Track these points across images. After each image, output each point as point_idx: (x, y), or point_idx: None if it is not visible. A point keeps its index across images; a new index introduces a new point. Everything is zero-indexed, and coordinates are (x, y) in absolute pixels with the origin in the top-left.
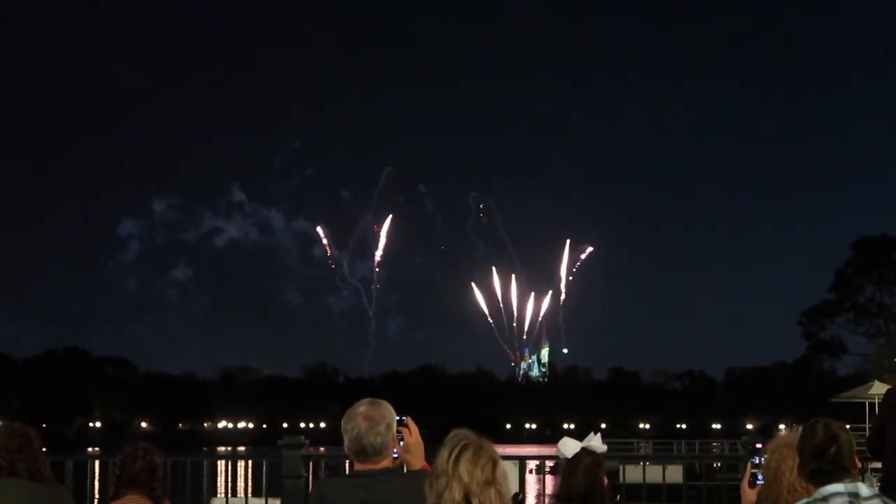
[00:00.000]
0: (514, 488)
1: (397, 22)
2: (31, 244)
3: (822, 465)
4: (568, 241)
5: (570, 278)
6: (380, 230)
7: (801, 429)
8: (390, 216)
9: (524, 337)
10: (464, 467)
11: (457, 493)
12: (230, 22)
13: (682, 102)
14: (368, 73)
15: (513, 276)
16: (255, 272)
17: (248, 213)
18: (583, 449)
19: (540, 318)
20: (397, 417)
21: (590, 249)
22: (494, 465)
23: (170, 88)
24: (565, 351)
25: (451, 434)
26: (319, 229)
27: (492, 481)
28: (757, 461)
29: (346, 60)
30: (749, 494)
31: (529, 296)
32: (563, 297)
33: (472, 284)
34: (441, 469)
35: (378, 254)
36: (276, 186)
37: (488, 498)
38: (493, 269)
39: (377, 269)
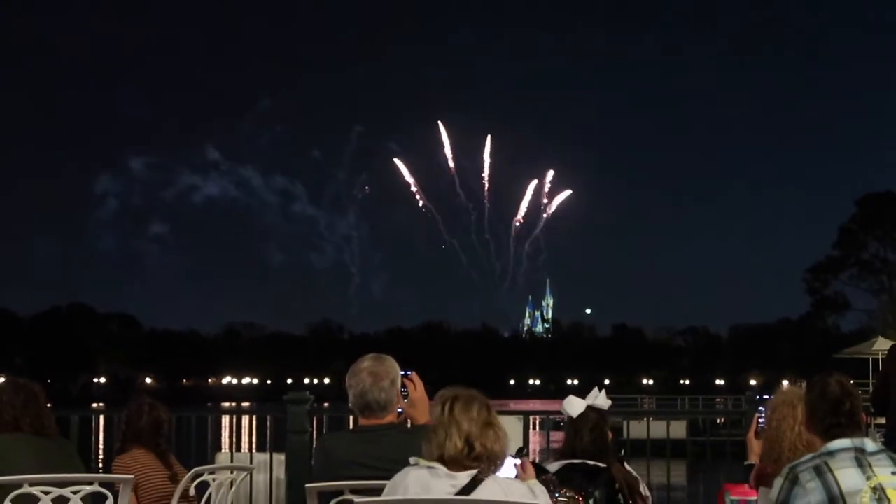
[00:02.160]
0: (519, 443)
1: None
2: (11, 203)
3: (840, 419)
4: (548, 182)
5: (546, 216)
6: (358, 187)
7: (806, 384)
8: (364, 174)
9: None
10: (459, 414)
11: (458, 440)
12: None
13: (686, 50)
14: (337, 30)
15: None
16: (237, 230)
17: (224, 172)
18: (588, 407)
19: (529, 261)
20: (402, 372)
21: (568, 192)
22: (488, 409)
23: (141, 46)
24: (588, 311)
25: (439, 393)
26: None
27: (490, 423)
28: (763, 411)
29: (314, 17)
30: (755, 445)
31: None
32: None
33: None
34: (438, 421)
35: (356, 211)
36: (248, 145)
37: (489, 439)
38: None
39: (355, 232)
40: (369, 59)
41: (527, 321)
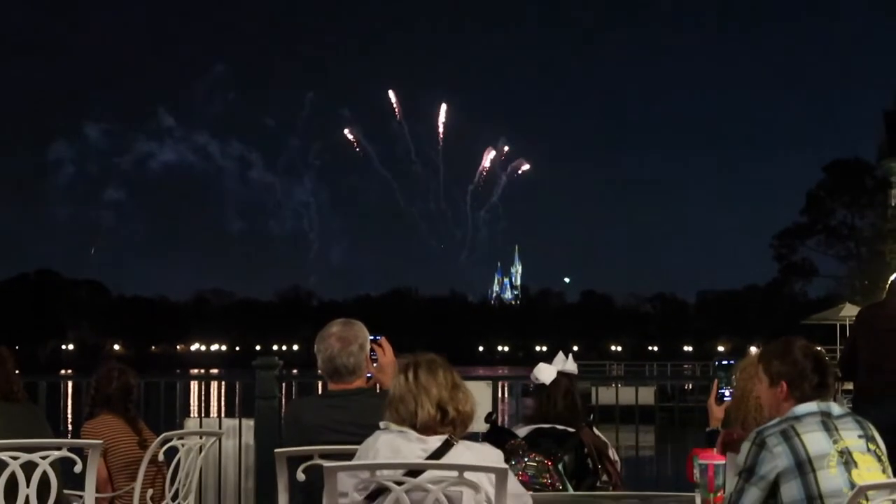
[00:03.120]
0: (488, 408)
1: None
2: None
3: (826, 379)
4: (505, 149)
5: (503, 181)
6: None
7: (768, 347)
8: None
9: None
10: (426, 380)
11: (430, 407)
12: None
13: (653, 20)
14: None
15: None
16: (195, 196)
17: (178, 138)
18: (560, 373)
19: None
20: (371, 337)
21: (525, 167)
22: (450, 370)
23: (93, 11)
24: (567, 280)
25: (397, 362)
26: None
27: (457, 385)
28: (723, 375)
29: None
30: (716, 411)
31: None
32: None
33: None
34: (403, 391)
35: (313, 178)
36: (201, 112)
37: (459, 401)
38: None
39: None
40: (320, 28)
41: (495, 288)
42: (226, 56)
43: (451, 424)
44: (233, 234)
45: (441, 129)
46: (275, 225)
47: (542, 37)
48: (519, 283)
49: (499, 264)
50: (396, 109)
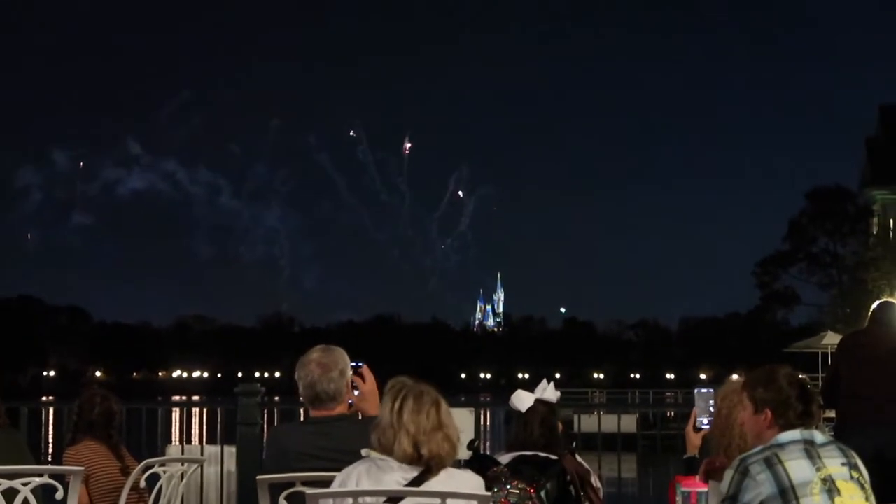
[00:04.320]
0: (470, 435)
1: None
2: None
3: (810, 407)
4: (463, 177)
5: (468, 209)
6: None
7: (752, 374)
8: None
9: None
10: (408, 417)
11: (406, 445)
12: None
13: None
14: (254, 28)
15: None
16: (165, 223)
17: (146, 166)
18: (537, 400)
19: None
20: (352, 364)
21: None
22: (438, 408)
23: (59, 38)
24: (563, 310)
25: (390, 383)
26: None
27: (438, 426)
28: (702, 406)
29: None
30: (693, 438)
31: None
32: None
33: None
34: (386, 422)
35: (281, 204)
36: (168, 138)
37: (436, 443)
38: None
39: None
40: (284, 54)
41: (478, 315)
42: (191, 82)
43: (427, 463)
44: (204, 260)
45: (406, 156)
46: (245, 251)
47: (510, 62)
48: (501, 309)
49: (481, 291)
50: (361, 136)
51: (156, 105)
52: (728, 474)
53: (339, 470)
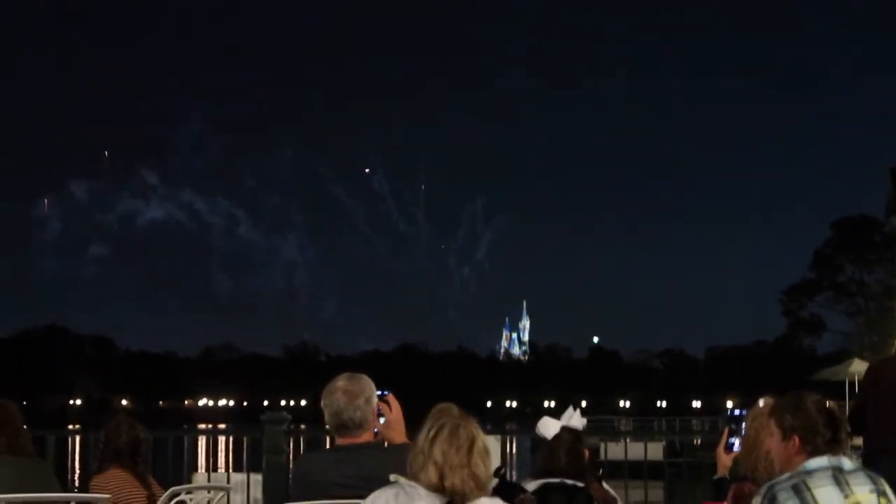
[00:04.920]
0: (497, 462)
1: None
2: None
3: (839, 434)
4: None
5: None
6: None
7: (780, 401)
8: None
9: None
10: (438, 448)
11: (432, 474)
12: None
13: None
14: (266, 53)
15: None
16: (185, 253)
17: (163, 197)
18: (563, 428)
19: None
20: (378, 392)
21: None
22: (471, 446)
23: (75, 72)
24: (596, 339)
25: (435, 408)
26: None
27: (465, 464)
28: (735, 427)
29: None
30: (724, 459)
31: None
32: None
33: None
34: (419, 447)
35: (298, 235)
36: (184, 169)
37: (460, 478)
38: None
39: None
40: (296, 85)
41: (503, 343)
42: (203, 113)
43: (450, 496)
44: (225, 290)
45: (422, 187)
46: (265, 281)
47: (524, 88)
48: (527, 338)
49: (506, 319)
50: (377, 167)
51: (170, 136)
52: (756, 501)
53: (364, 498)
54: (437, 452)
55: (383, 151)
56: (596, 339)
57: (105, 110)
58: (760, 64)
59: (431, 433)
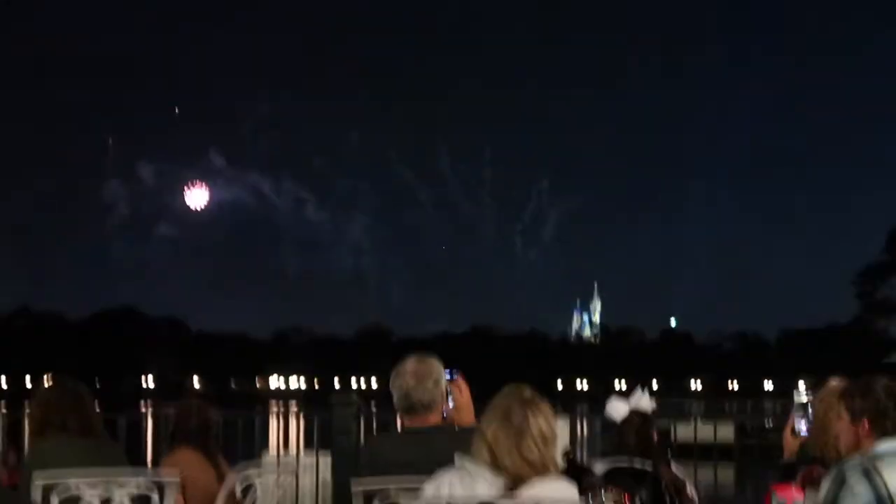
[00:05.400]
0: (566, 444)
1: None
2: (21, 208)
3: (894, 421)
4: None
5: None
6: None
7: (850, 385)
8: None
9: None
10: (491, 430)
11: (485, 455)
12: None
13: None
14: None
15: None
16: (253, 235)
17: (230, 178)
18: (632, 410)
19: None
20: (447, 373)
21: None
22: (523, 429)
23: (137, 49)
24: (673, 323)
25: (505, 388)
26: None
27: (516, 446)
28: (801, 411)
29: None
30: (791, 443)
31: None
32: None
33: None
34: (478, 428)
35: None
36: (251, 151)
37: (511, 461)
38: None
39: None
40: (361, 68)
41: (574, 325)
42: (270, 94)
43: (507, 476)
44: (293, 272)
45: (489, 168)
46: (333, 262)
47: (584, 70)
48: (598, 320)
49: (577, 301)
50: (442, 148)
51: (237, 118)
52: (825, 484)
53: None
54: (489, 434)
55: (448, 131)
56: (673, 323)
57: (173, 91)
58: (855, 51)
59: (489, 414)
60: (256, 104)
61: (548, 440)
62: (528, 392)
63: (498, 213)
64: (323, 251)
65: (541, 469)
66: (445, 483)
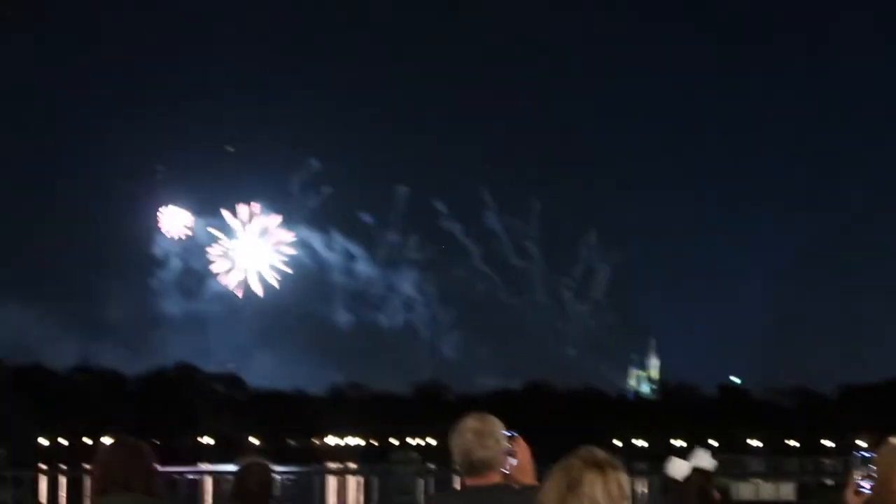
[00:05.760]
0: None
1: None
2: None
3: None
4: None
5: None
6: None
7: None
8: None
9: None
10: (557, 491)
11: None
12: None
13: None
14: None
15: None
16: (302, 292)
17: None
18: (693, 468)
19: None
20: (506, 433)
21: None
22: (589, 497)
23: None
24: (738, 380)
25: (576, 452)
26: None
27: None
28: (863, 470)
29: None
30: (853, 501)
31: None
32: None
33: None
34: (544, 484)
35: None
36: (297, 206)
37: None
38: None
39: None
40: (404, 122)
41: (630, 382)
42: (316, 151)
43: None
44: (344, 329)
45: (537, 223)
46: (383, 319)
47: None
48: (656, 376)
49: (632, 357)
50: (489, 200)
51: (285, 175)
52: None
53: None
54: (555, 495)
55: (494, 184)
56: (738, 380)
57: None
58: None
59: (556, 475)
60: (305, 161)
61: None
62: (600, 455)
63: (545, 268)
64: (373, 307)
65: None
66: None
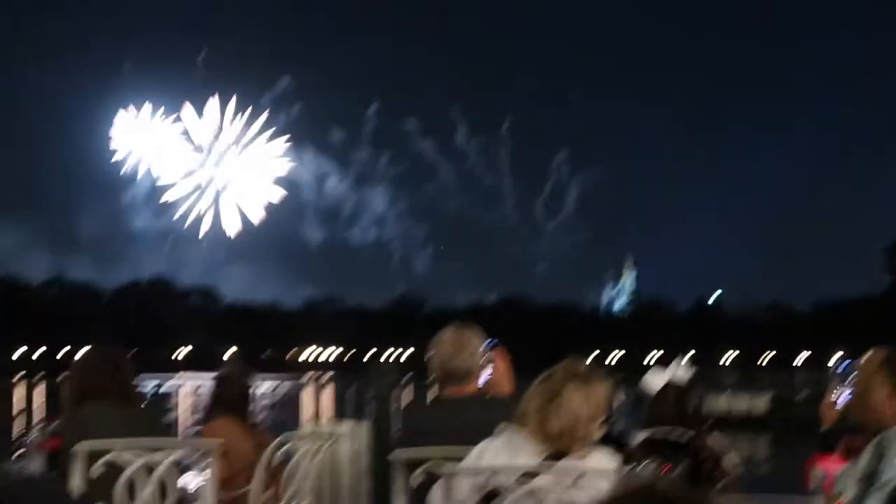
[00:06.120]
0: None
1: None
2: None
3: None
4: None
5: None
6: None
7: (893, 353)
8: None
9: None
10: (538, 400)
11: (527, 421)
12: None
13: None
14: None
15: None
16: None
17: None
18: (669, 379)
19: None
20: (488, 341)
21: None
22: (552, 398)
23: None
24: (718, 291)
25: (561, 364)
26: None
27: (544, 416)
28: (840, 380)
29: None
30: (831, 412)
31: None
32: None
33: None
34: (539, 400)
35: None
36: (272, 123)
37: (555, 432)
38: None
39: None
40: (378, 39)
41: (606, 295)
42: (290, 69)
43: (551, 443)
44: (317, 245)
45: (508, 140)
46: (356, 234)
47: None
48: (631, 291)
49: (608, 271)
50: (461, 120)
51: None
52: (865, 453)
53: (470, 448)
54: (534, 404)
55: (465, 103)
56: (712, 298)
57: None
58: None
59: (537, 385)
60: (277, 78)
61: (594, 414)
62: (582, 367)
63: (517, 185)
64: (345, 223)
65: (584, 440)
66: (489, 451)
